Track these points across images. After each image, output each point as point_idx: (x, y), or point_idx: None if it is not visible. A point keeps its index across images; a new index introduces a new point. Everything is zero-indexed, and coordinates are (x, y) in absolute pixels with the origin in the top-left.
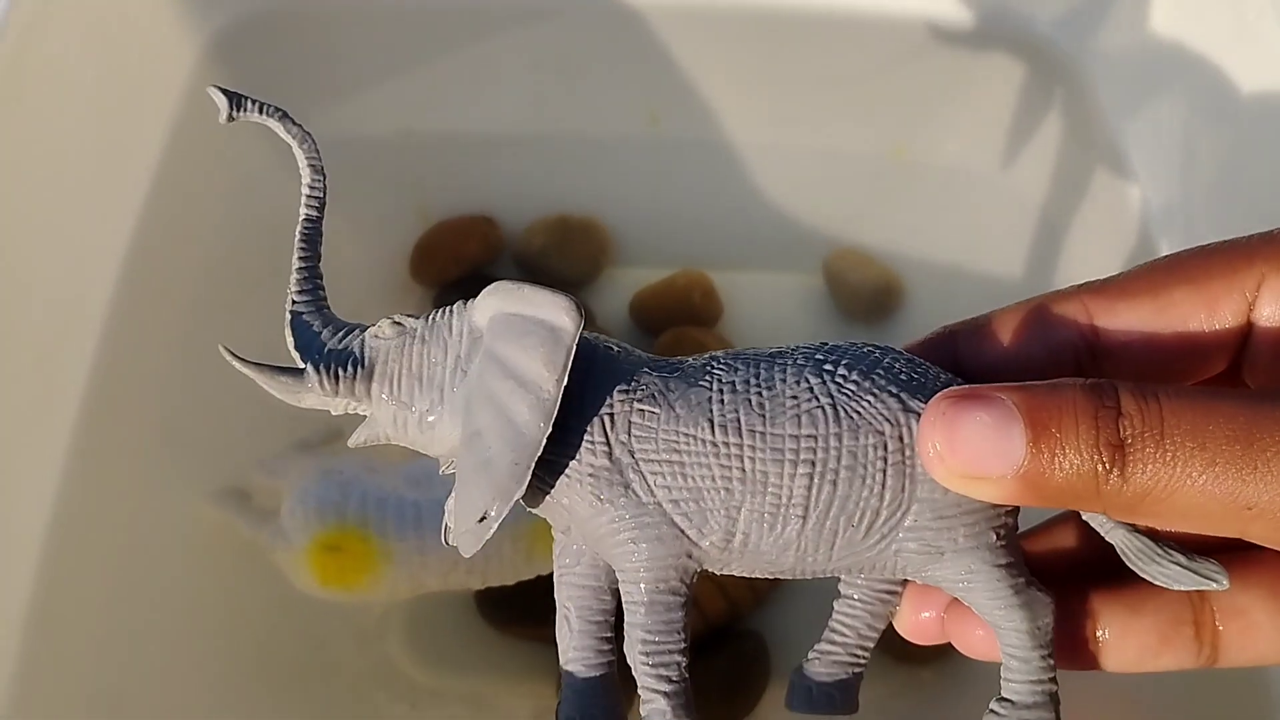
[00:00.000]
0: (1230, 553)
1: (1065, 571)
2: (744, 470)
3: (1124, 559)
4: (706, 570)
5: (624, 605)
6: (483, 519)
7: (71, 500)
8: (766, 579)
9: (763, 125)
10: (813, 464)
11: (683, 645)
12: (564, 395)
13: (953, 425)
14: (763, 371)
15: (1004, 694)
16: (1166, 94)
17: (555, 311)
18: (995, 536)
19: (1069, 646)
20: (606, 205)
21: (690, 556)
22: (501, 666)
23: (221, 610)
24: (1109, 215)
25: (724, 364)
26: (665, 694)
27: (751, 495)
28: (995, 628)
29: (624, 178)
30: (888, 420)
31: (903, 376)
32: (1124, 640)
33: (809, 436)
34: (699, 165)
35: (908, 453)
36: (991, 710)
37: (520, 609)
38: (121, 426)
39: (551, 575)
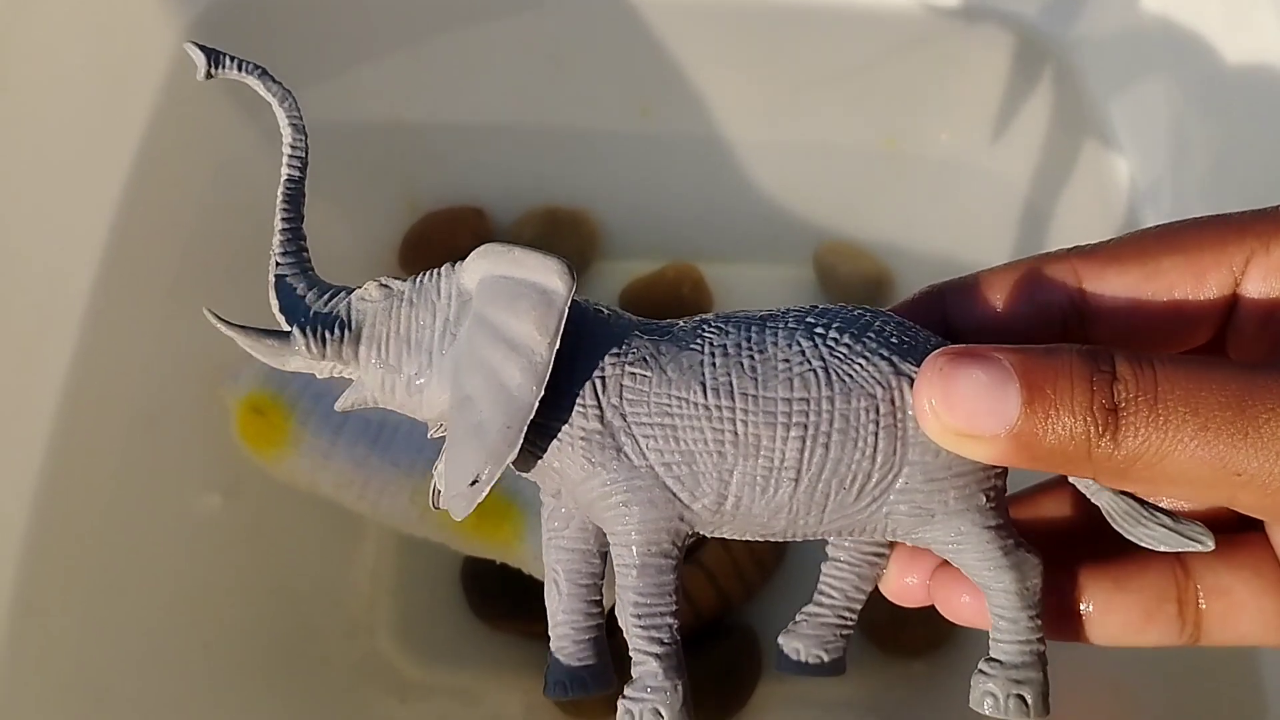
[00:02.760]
0: (1216, 534)
1: (1053, 542)
2: (736, 434)
3: (1110, 521)
4: (698, 532)
5: (615, 568)
6: (474, 482)
7: (55, 489)
8: (757, 577)
9: (753, 117)
10: (805, 427)
11: (674, 608)
12: (555, 359)
13: (949, 381)
14: (754, 335)
15: (992, 654)
16: (1155, 80)
17: (547, 274)
18: (985, 499)
19: (1054, 617)
20: (596, 197)
21: (682, 519)
22: (492, 661)
23: (209, 602)
24: (1098, 203)
25: (715, 327)
26: (657, 655)
27: (744, 459)
28: (985, 589)
29: (614, 170)
30: (879, 383)
31: (894, 340)
32: (1108, 614)
33: (801, 400)
34: (689, 158)
35: (899, 415)
36: (980, 670)
37: (510, 603)
38: (105, 413)
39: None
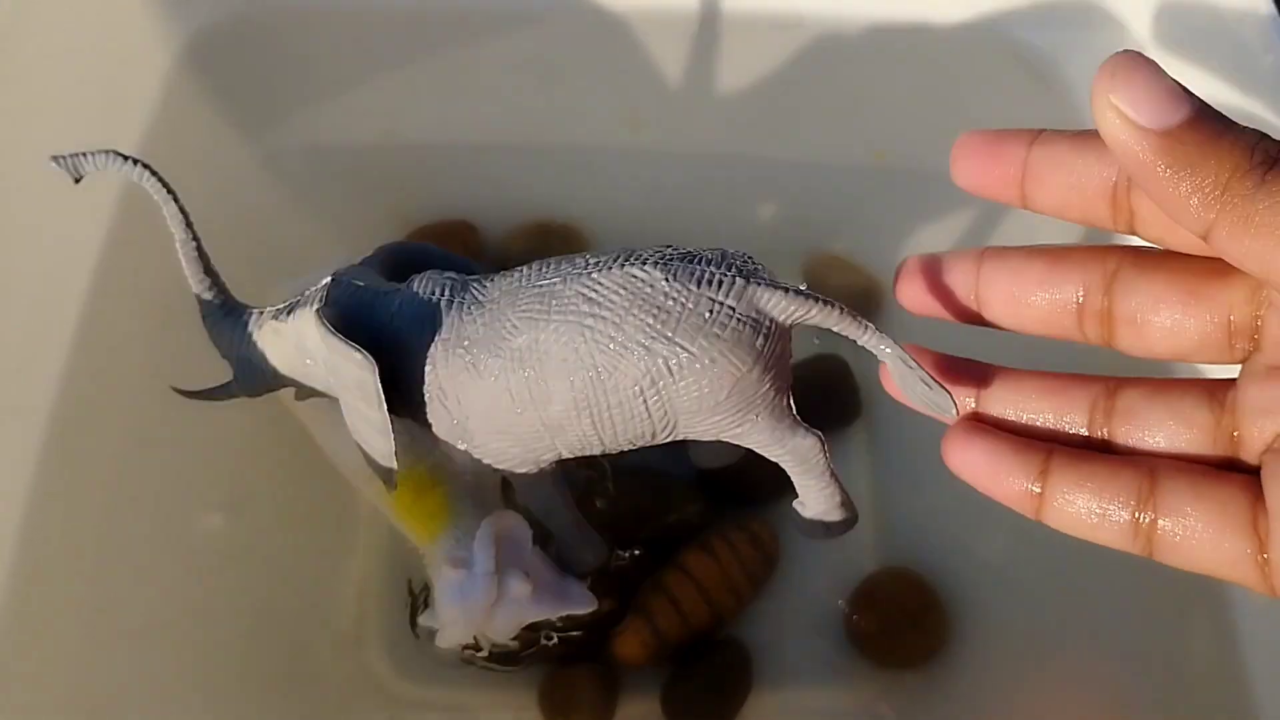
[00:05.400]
0: (1209, 465)
1: (1037, 426)
2: (543, 423)
3: (891, 377)
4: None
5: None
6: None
7: (49, 505)
8: (750, 588)
9: (742, 131)
10: (591, 411)
11: (565, 505)
12: (407, 376)
13: (1135, 67)
14: (541, 334)
15: (801, 500)
16: None
17: (355, 364)
18: (756, 414)
19: (1017, 492)
20: (587, 211)
21: (534, 459)
22: (481, 676)
23: (200, 618)
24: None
25: (514, 318)
26: (564, 532)
27: (555, 437)
28: (786, 468)
29: (604, 183)
30: (641, 370)
31: (649, 321)
32: (1067, 503)
33: (582, 393)
34: (679, 172)
35: (662, 388)
36: (794, 508)
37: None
38: (96, 429)
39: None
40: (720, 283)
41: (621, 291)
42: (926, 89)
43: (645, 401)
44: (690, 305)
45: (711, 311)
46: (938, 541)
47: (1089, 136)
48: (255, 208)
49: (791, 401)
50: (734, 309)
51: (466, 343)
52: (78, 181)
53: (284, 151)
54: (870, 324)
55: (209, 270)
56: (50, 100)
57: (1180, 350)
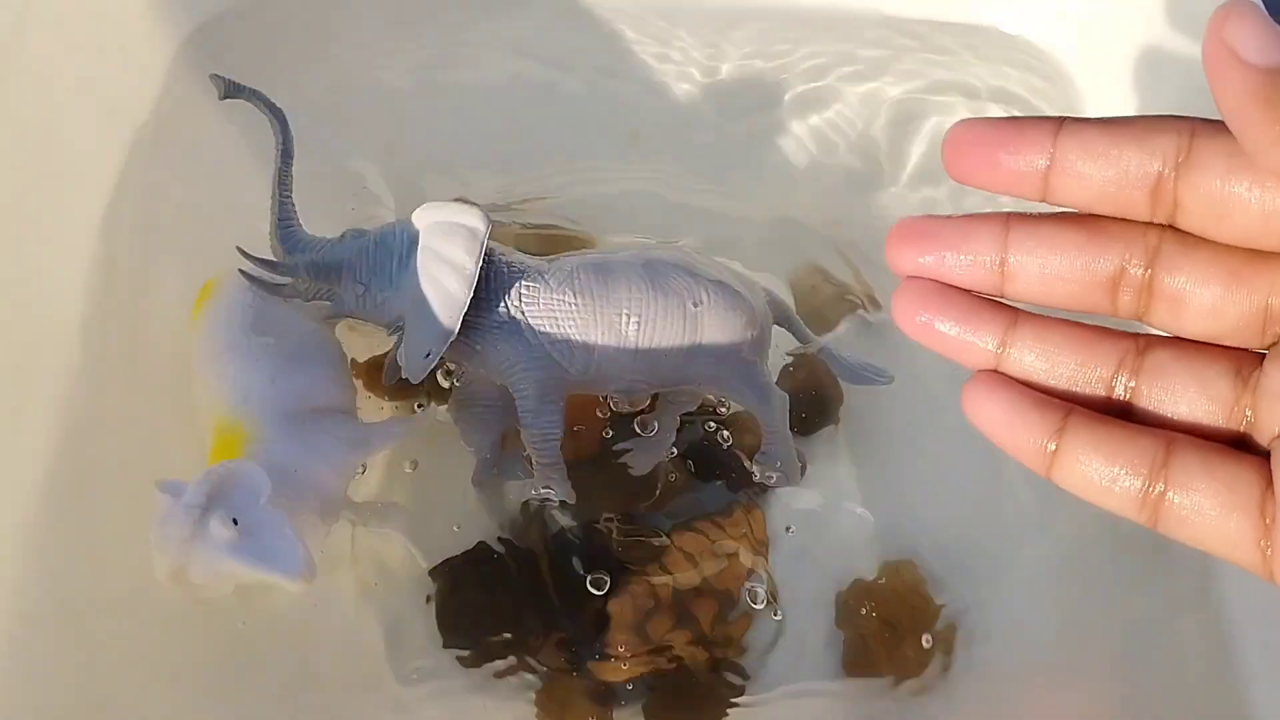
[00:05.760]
0: (1224, 444)
1: (1063, 381)
2: (596, 322)
3: (831, 366)
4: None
5: (519, 413)
6: (428, 355)
7: (51, 506)
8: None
9: (739, 133)
10: (640, 315)
11: (558, 432)
12: (478, 275)
13: (1248, 10)
14: (603, 261)
15: (764, 450)
16: (1153, 95)
17: (471, 217)
18: (743, 363)
19: (1031, 448)
20: (585, 217)
21: (563, 379)
22: (479, 681)
23: (203, 622)
24: None
25: (581, 265)
26: (546, 464)
27: (601, 338)
28: (757, 416)
29: (606, 194)
30: (685, 289)
31: (693, 267)
32: (1079, 462)
33: (637, 299)
34: (676, 179)
35: (697, 310)
36: (758, 458)
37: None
38: (100, 431)
39: None
40: (738, 274)
41: (669, 252)
42: (926, 88)
43: (685, 320)
44: (718, 270)
45: (731, 276)
46: (933, 545)
47: (1123, 125)
48: (252, 199)
49: (768, 368)
50: (744, 284)
51: (534, 266)
52: (222, 99)
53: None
54: (806, 330)
55: (288, 195)
56: (53, 95)
57: (1216, 330)
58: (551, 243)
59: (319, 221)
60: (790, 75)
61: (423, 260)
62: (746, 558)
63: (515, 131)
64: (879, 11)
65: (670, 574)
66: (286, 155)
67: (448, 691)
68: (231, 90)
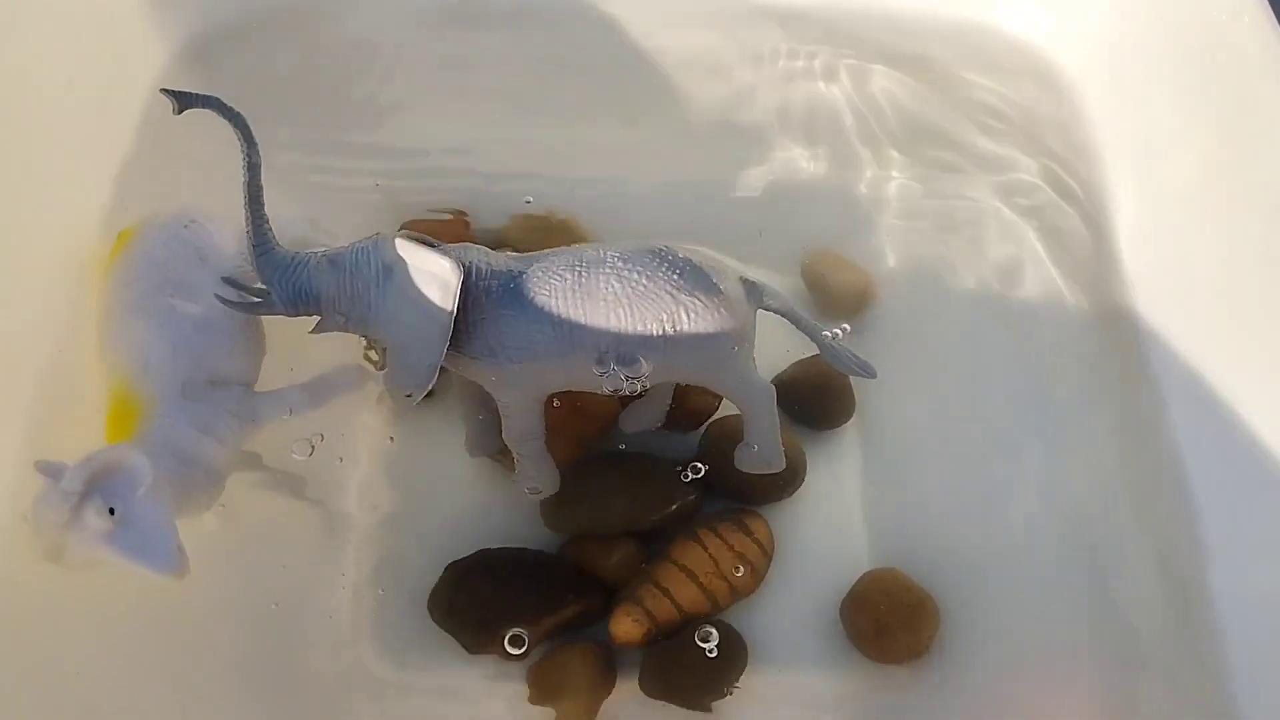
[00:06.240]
0: None
1: None
2: (573, 349)
3: (821, 353)
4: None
5: (502, 418)
6: (409, 395)
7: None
8: (748, 577)
9: (740, 128)
10: (616, 346)
11: (539, 433)
12: (457, 311)
13: None
14: (584, 276)
15: (748, 440)
16: (1145, 96)
17: (445, 268)
18: (725, 362)
19: None
20: (583, 203)
21: (543, 391)
22: (474, 669)
23: (198, 621)
24: (1085, 215)
25: (558, 271)
26: (528, 456)
27: (579, 366)
28: (743, 407)
29: (599, 177)
30: (664, 310)
31: (676, 276)
32: None
33: (615, 321)
34: (675, 167)
35: (676, 328)
36: (741, 448)
37: (480, 630)
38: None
39: None
40: (719, 270)
41: (650, 257)
42: (926, 87)
43: (663, 335)
44: (702, 274)
45: (716, 278)
46: (931, 539)
47: None
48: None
49: (753, 360)
50: (729, 283)
51: (513, 285)
52: (178, 113)
53: (279, 144)
54: (807, 317)
55: (262, 215)
56: (49, 97)
57: None
58: (542, 229)
59: (332, 211)
60: (789, 67)
61: (398, 304)
62: (751, 577)
63: (508, 112)
64: (884, 10)
65: (667, 591)
66: (253, 168)
67: (442, 683)
68: (186, 101)
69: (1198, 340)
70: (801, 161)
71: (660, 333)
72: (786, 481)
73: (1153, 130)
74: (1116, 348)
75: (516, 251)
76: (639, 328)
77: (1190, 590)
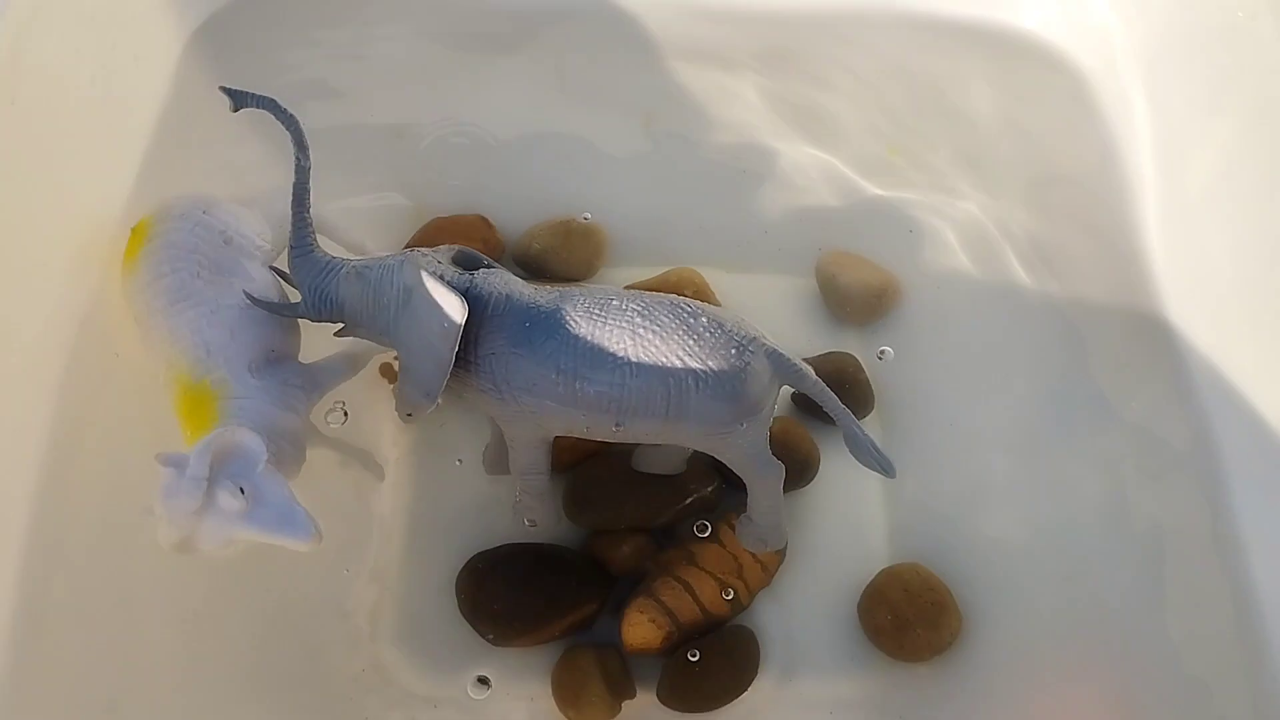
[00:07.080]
0: None
1: None
2: (576, 401)
3: (844, 439)
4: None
5: (507, 444)
6: (409, 415)
7: (56, 505)
8: (761, 573)
9: (756, 128)
10: (618, 403)
11: (541, 468)
12: (464, 340)
13: None
14: (597, 326)
15: (750, 515)
16: (1162, 93)
17: (453, 307)
18: (735, 437)
19: None
20: (601, 206)
21: (548, 432)
22: (494, 669)
23: (217, 616)
24: (1105, 216)
25: (573, 315)
26: (529, 491)
27: (582, 417)
28: (749, 481)
29: (619, 180)
30: (670, 376)
31: (690, 341)
32: None
33: (617, 385)
34: (693, 168)
35: (681, 397)
36: (742, 521)
37: (507, 622)
38: (103, 426)
39: None
40: (748, 336)
41: (670, 315)
42: (939, 85)
43: (667, 402)
44: (722, 342)
45: (737, 350)
46: (951, 536)
47: None
48: (266, 194)
49: (768, 436)
50: (752, 356)
51: (528, 324)
52: (234, 111)
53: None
54: (837, 401)
55: (305, 217)
56: (69, 94)
57: None
58: (563, 234)
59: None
60: (802, 68)
61: (410, 329)
62: (764, 572)
63: (528, 113)
64: (900, 10)
65: (687, 587)
66: (303, 170)
67: (461, 684)
68: (242, 101)
69: (1224, 335)
70: (818, 162)
71: (664, 398)
72: (799, 473)
73: (1174, 128)
74: (1141, 342)
75: (540, 250)
76: (642, 390)
77: (1229, 589)
